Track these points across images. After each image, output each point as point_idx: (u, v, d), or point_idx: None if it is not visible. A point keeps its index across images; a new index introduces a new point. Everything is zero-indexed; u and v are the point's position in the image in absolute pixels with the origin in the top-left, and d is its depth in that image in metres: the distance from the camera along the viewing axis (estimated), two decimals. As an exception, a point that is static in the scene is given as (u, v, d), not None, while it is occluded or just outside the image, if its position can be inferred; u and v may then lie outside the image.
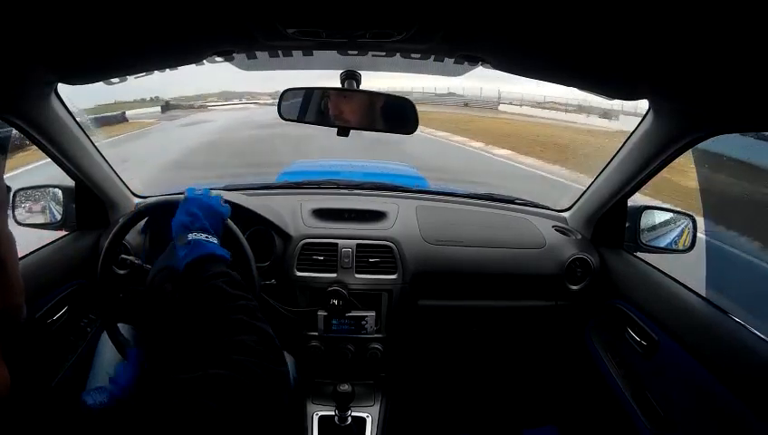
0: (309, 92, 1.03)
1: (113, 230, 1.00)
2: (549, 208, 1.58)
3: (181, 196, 1.06)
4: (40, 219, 1.27)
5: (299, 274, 1.26)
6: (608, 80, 0.88)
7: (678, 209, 1.31)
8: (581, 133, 12.04)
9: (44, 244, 1.18)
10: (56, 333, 1.09)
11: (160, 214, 1.22)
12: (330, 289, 1.22)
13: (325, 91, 1.03)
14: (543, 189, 6.05)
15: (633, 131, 1.14)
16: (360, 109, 1.03)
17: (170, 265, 0.95)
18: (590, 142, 10.41)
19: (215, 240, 0.73)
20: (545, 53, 0.77)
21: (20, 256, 0.41)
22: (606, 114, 12.69)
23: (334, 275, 1.25)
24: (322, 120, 1.03)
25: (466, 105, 19.34)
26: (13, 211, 1.23)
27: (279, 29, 0.72)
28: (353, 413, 1.20)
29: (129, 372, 0.85)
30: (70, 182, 1.26)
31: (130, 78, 1.06)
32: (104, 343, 1.04)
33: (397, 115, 1.03)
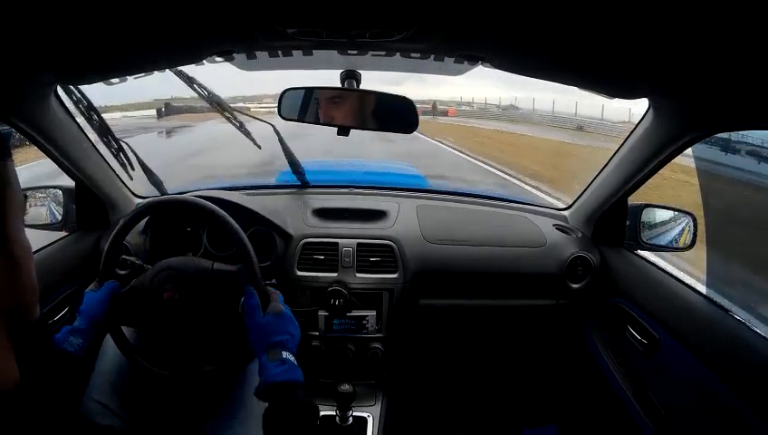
0: (309, 92, 1.03)
1: (114, 231, 1.00)
2: (549, 207, 1.58)
3: (181, 197, 1.06)
4: (40, 220, 1.27)
5: (300, 273, 1.26)
6: (608, 79, 0.88)
7: (679, 208, 1.31)
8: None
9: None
10: None
11: (161, 214, 1.23)
12: (330, 289, 1.22)
13: (325, 90, 1.03)
14: None
15: (633, 130, 1.14)
16: (359, 108, 1.04)
17: (179, 269, 0.95)
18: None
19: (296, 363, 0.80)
20: (545, 53, 0.77)
21: None
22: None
23: (335, 274, 1.25)
24: (322, 119, 1.03)
25: (581, 129, 14.03)
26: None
27: (279, 29, 0.72)
28: (354, 413, 1.20)
29: (101, 307, 0.86)
30: (70, 183, 1.26)
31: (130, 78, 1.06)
32: (106, 344, 1.04)
33: (396, 115, 1.03)
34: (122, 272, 1.15)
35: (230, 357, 0.96)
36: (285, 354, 0.77)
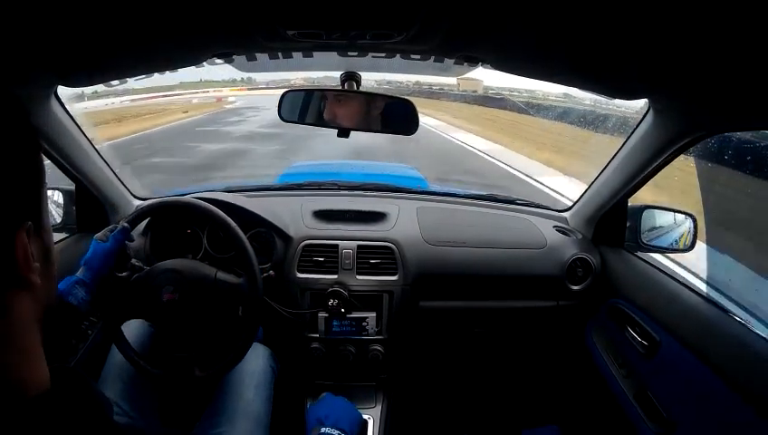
0: (309, 94, 1.03)
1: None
2: (549, 208, 1.58)
3: (182, 198, 1.07)
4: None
5: (300, 275, 1.26)
6: (608, 80, 0.88)
7: (679, 209, 1.31)
8: None
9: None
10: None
11: (161, 216, 1.23)
12: (330, 290, 1.22)
13: (325, 92, 1.03)
14: None
15: (633, 131, 1.14)
16: (359, 110, 1.03)
17: (174, 268, 0.95)
18: None
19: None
20: (545, 54, 0.77)
21: None
22: None
23: (335, 276, 1.25)
24: (323, 121, 1.03)
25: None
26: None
27: (279, 31, 0.72)
28: None
29: (107, 260, 0.87)
30: (70, 184, 1.25)
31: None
32: (114, 347, 1.04)
33: (397, 116, 1.03)
34: (123, 274, 1.15)
35: (224, 365, 0.96)
36: (324, 429, 0.83)
